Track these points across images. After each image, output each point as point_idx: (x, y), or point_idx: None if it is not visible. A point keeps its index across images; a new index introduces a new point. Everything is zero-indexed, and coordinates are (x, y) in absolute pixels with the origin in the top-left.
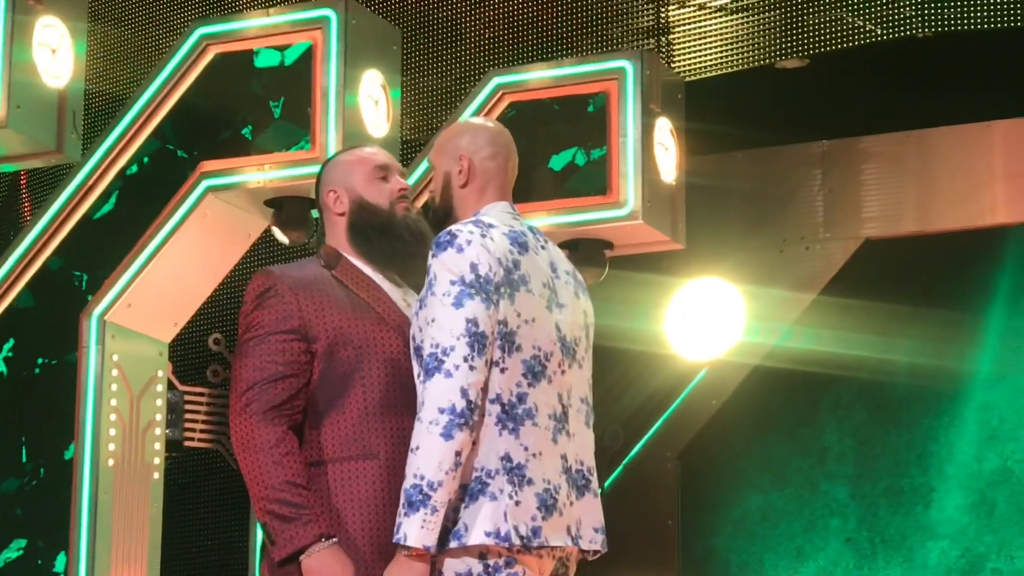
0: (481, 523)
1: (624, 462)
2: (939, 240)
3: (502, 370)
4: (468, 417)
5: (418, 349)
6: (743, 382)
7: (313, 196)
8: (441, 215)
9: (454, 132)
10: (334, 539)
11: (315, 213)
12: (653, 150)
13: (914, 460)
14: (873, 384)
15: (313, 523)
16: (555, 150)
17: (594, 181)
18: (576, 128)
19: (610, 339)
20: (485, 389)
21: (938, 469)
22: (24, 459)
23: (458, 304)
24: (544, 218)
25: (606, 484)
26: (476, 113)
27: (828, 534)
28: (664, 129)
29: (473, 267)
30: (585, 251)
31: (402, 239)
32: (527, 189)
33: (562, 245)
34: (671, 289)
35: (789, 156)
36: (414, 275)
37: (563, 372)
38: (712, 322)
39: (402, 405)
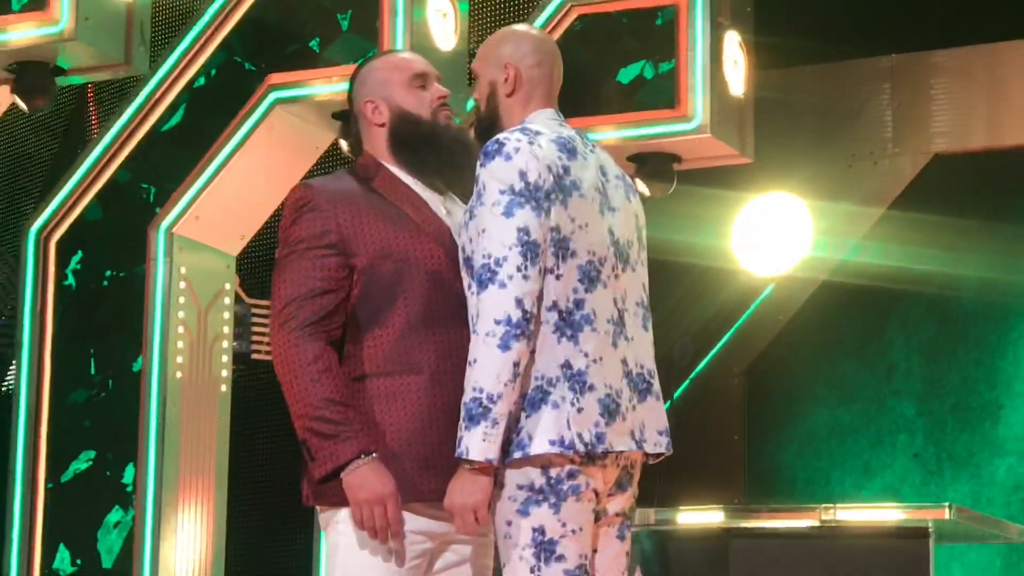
0: (544, 432)
1: (690, 377)
2: (1009, 155)
3: (557, 277)
4: (524, 327)
5: (468, 260)
6: (810, 298)
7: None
8: (486, 124)
9: (498, 40)
10: (374, 455)
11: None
12: (722, 63)
13: (982, 376)
14: (941, 300)
15: (352, 439)
16: (623, 63)
17: (662, 94)
18: (644, 41)
19: (677, 254)
20: (541, 297)
21: (1006, 385)
22: (93, 371)
23: (508, 213)
24: (612, 131)
25: (674, 396)
26: (544, 26)
27: (895, 450)
28: (733, 42)
29: (522, 175)
30: (653, 165)
31: (449, 149)
32: (595, 102)
33: (630, 158)
34: (738, 204)
35: (858, 70)
36: (461, 184)
37: (616, 276)
38: (779, 237)
39: (446, 317)
